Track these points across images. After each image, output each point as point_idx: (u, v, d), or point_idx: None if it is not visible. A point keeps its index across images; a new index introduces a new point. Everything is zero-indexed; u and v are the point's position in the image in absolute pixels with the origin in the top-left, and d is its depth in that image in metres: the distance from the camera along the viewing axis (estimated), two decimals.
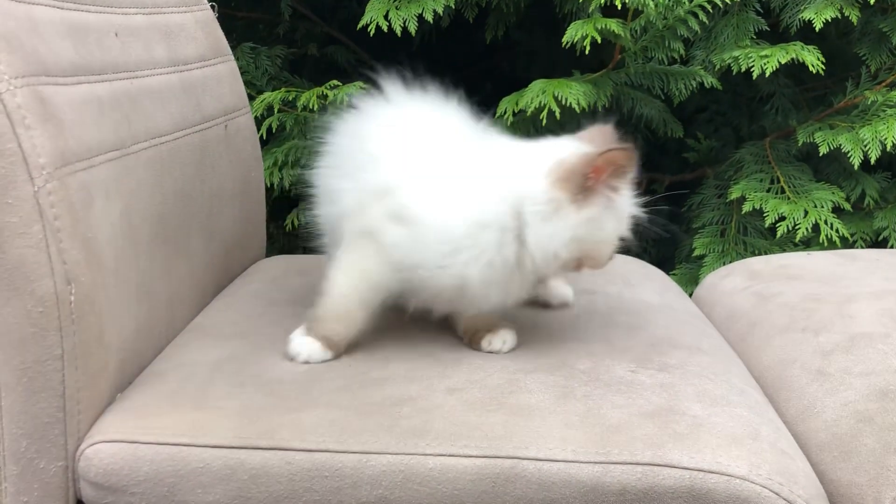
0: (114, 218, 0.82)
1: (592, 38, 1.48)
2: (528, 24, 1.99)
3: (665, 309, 1.04)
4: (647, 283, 1.14)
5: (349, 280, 0.87)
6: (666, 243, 2.09)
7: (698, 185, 1.93)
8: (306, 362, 0.86)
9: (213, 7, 1.20)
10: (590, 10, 1.47)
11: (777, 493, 0.69)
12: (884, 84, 1.68)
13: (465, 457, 0.71)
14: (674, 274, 1.77)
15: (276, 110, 1.61)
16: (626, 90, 1.74)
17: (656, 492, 0.69)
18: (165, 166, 0.97)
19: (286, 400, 0.79)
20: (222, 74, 1.17)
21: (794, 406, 0.88)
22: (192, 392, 0.81)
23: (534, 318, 0.98)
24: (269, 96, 1.61)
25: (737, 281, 1.18)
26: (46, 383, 0.72)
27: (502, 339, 0.88)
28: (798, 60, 1.57)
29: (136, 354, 0.87)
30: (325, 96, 1.57)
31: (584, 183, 0.80)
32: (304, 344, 0.87)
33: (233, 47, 2.00)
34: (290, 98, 1.62)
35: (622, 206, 0.83)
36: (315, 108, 1.57)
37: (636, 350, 0.89)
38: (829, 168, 1.83)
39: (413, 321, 0.99)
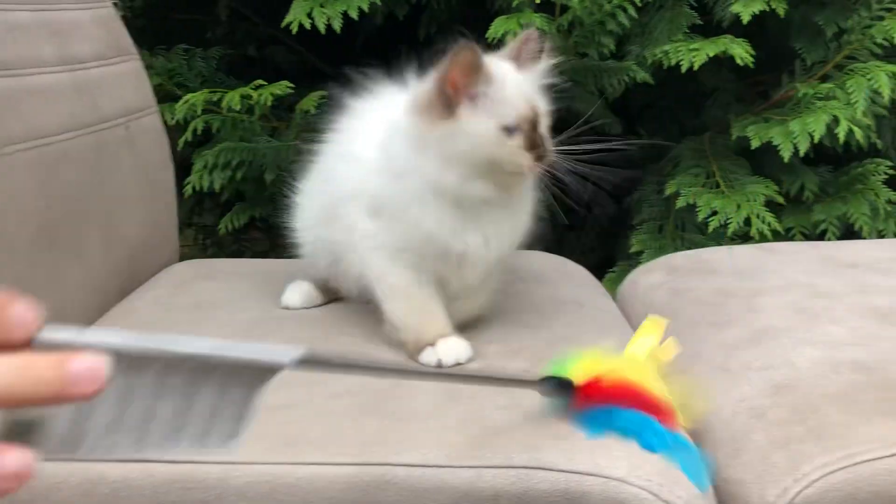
0: None
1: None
2: (474, 19, 1.97)
3: (574, 306, 1.02)
4: (562, 280, 1.13)
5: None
6: (610, 241, 2.08)
7: (642, 181, 1.92)
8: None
9: (115, 4, 1.17)
10: (514, 4, 1.45)
11: (656, 495, 0.67)
12: (815, 77, 1.67)
13: (336, 465, 0.69)
14: (612, 271, 1.75)
15: (199, 111, 1.58)
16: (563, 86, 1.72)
17: (531, 496, 0.67)
18: (51, 168, 0.93)
19: None
20: (124, 74, 1.13)
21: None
22: None
23: None
24: (192, 97, 1.58)
25: (657, 277, 1.17)
26: None
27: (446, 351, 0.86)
28: (728, 54, 1.55)
29: None
30: (250, 97, 1.54)
31: (447, 99, 0.81)
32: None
33: (167, 48, 1.97)
34: (216, 99, 1.59)
35: (493, 99, 0.81)
36: (238, 109, 1.54)
37: (532, 349, 0.87)
38: (771, 162, 1.82)
39: (318, 323, 0.97)
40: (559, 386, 0.66)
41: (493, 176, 0.83)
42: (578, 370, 0.67)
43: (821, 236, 1.71)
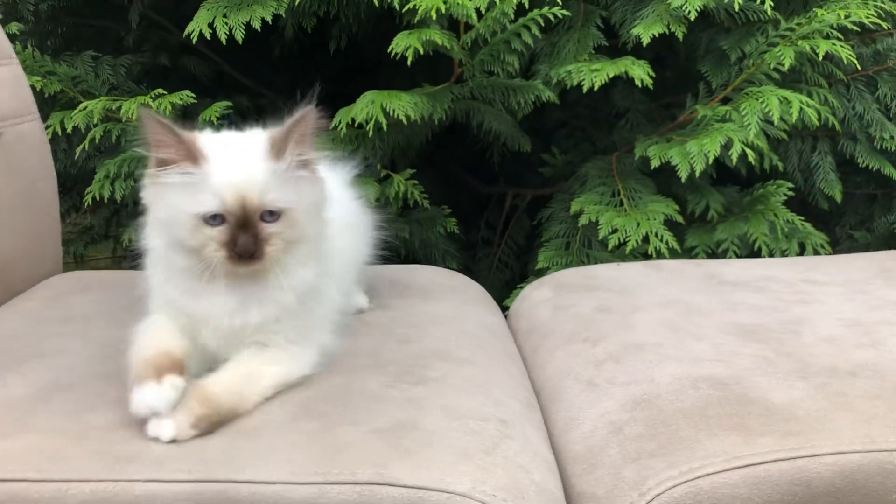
0: None
1: (431, 47, 1.47)
2: (386, 33, 1.97)
3: (452, 321, 1.01)
4: (448, 295, 1.12)
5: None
6: (525, 257, 2.10)
7: (553, 198, 1.94)
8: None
9: None
10: (415, 20, 1.46)
11: None
12: (716, 99, 1.72)
13: (175, 482, 0.67)
14: (519, 287, 1.76)
15: (95, 119, 1.54)
16: (474, 104, 1.73)
17: None
18: None
19: None
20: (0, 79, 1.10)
21: (561, 418, 0.87)
22: None
23: None
24: (90, 105, 1.54)
25: (545, 292, 1.18)
26: None
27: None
28: (629, 75, 1.58)
29: None
30: (148, 106, 1.51)
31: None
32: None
33: (73, 55, 1.93)
34: (115, 107, 1.55)
35: (194, 182, 0.74)
36: (136, 118, 1.51)
37: (400, 364, 0.86)
38: (678, 181, 1.86)
39: None
40: None
41: (193, 254, 0.76)
42: None
43: (724, 255, 1.75)
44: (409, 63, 1.44)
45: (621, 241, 1.57)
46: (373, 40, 1.88)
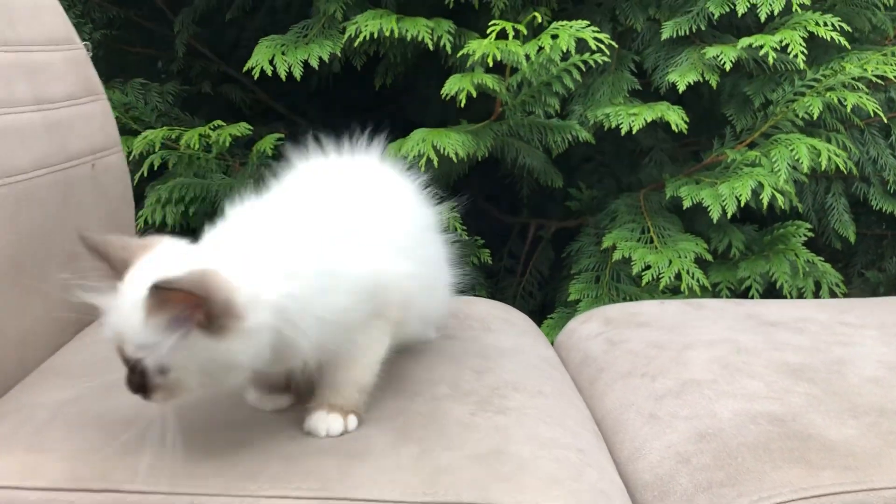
0: None
1: (480, 89, 1.55)
2: (425, 72, 2.05)
3: (517, 353, 1.08)
4: (506, 327, 1.19)
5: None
6: (549, 288, 2.17)
7: (581, 232, 2.01)
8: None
9: (86, 46, 1.21)
10: (468, 64, 1.54)
11: None
12: (744, 143, 1.80)
13: (297, 498, 0.73)
14: (551, 318, 1.83)
15: (156, 148, 1.61)
16: (510, 140, 1.81)
17: None
18: (21, 205, 0.97)
19: (126, 442, 0.79)
20: (92, 113, 1.17)
21: (626, 448, 0.93)
22: (27, 435, 0.80)
23: (389, 361, 1.00)
24: (151, 134, 1.61)
25: (593, 327, 1.25)
26: None
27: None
28: (664, 119, 1.66)
29: None
30: (208, 136, 1.58)
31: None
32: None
33: (123, 82, 2.00)
34: (174, 136, 1.63)
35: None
36: (196, 147, 1.58)
37: (479, 393, 0.93)
38: (701, 219, 1.95)
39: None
40: None
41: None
42: None
43: (746, 292, 1.83)
44: (461, 105, 1.52)
45: (654, 277, 1.64)
46: (411, 77, 1.97)
